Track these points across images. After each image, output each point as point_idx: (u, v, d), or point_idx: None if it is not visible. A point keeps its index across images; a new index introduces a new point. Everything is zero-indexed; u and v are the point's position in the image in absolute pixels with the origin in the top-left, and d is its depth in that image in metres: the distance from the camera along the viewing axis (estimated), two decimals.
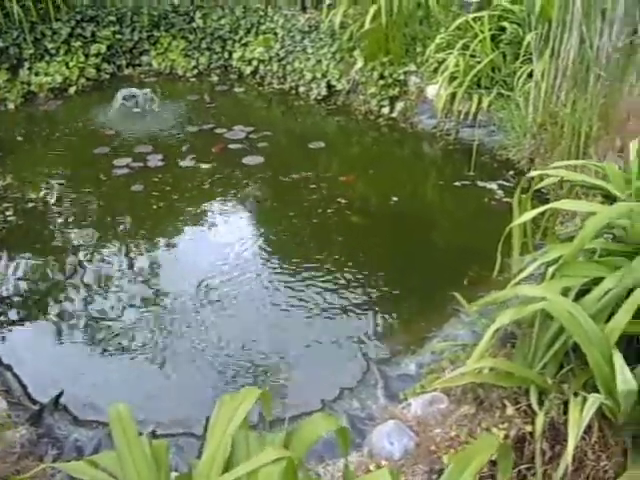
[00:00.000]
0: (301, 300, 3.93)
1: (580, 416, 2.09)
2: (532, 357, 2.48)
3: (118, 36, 7.40)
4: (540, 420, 2.26)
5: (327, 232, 4.63)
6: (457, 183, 5.23)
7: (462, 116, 5.74)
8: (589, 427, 2.24)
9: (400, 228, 4.66)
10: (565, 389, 2.35)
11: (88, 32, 7.21)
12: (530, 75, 5.22)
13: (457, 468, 1.47)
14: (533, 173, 2.98)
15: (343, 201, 4.92)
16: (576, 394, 2.26)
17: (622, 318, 2.27)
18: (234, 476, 1.28)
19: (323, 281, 4.08)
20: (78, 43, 7.12)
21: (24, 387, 3.19)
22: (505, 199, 4.84)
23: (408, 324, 3.68)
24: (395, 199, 4.96)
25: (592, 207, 2.58)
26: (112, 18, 7.35)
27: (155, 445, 1.54)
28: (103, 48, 7.24)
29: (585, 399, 2.15)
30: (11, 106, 6.63)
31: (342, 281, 4.07)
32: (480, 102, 5.67)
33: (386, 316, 3.75)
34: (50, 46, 7.00)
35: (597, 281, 2.46)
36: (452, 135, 5.84)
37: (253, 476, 1.26)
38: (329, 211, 4.83)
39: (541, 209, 2.76)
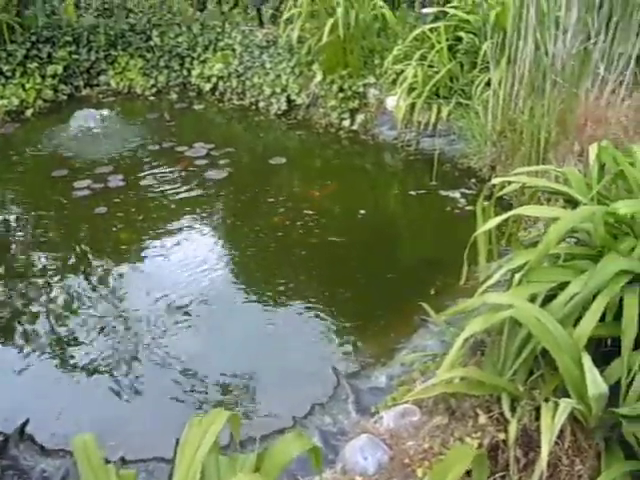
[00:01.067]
0: (267, 316, 3.90)
1: (552, 422, 2.09)
2: (502, 365, 2.47)
3: (75, 56, 7.33)
4: (513, 427, 2.25)
5: (292, 247, 4.60)
6: (420, 193, 5.25)
7: (422, 126, 5.79)
8: (561, 432, 2.23)
9: (365, 240, 4.65)
10: (536, 395, 2.35)
11: (44, 53, 7.13)
12: (488, 84, 5.27)
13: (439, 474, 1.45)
14: (495, 180, 2.99)
15: (308, 215, 4.90)
16: (547, 400, 2.25)
17: (589, 321, 2.27)
18: None
19: (289, 296, 4.05)
20: (34, 64, 7.04)
21: None
22: (468, 207, 4.87)
23: (377, 337, 3.66)
24: (360, 212, 4.95)
25: (555, 212, 2.60)
26: (68, 38, 7.28)
27: (123, 474, 1.50)
28: (60, 69, 7.16)
29: (557, 404, 2.14)
30: None
31: (309, 296, 4.04)
32: (439, 112, 5.71)
33: (354, 330, 3.73)
34: (5, 68, 6.91)
35: (563, 286, 2.46)
36: (413, 145, 5.87)
37: None
38: (296, 225, 4.81)
39: (504, 216, 2.77)
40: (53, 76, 7.13)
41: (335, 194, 5.30)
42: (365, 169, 5.90)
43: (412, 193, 5.32)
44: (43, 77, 7.08)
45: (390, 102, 6.07)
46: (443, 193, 5.16)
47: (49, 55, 7.18)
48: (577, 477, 2.13)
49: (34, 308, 4.04)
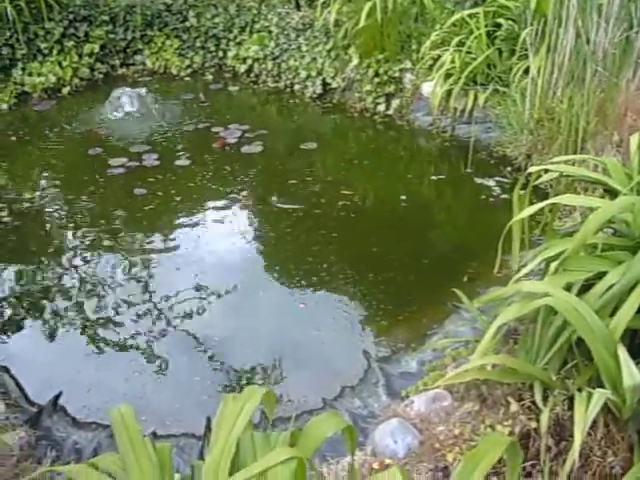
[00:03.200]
0: (298, 298, 3.91)
1: (586, 412, 2.07)
2: (535, 353, 2.47)
3: (111, 36, 7.35)
4: (545, 416, 2.24)
5: (324, 229, 4.60)
6: (454, 180, 5.23)
7: (458, 113, 5.73)
8: (594, 423, 2.22)
9: (398, 225, 4.64)
10: (569, 385, 2.33)
11: (81, 32, 7.16)
12: (526, 71, 5.19)
13: (467, 468, 1.45)
14: (533, 169, 2.96)
15: (343, 199, 4.90)
16: (580, 390, 2.24)
17: (626, 312, 2.26)
18: (244, 476, 1.25)
19: (321, 278, 4.06)
20: (71, 43, 7.07)
21: (21, 389, 3.16)
22: (502, 195, 4.83)
23: (408, 322, 3.65)
24: (393, 197, 4.94)
25: (593, 202, 2.57)
26: (105, 18, 7.30)
27: (159, 447, 1.52)
28: (96, 48, 7.19)
29: (590, 395, 2.13)
30: (4, 107, 6.58)
31: (341, 278, 4.05)
32: (476, 99, 5.65)
33: (386, 314, 3.74)
34: (43, 46, 6.95)
35: (600, 276, 2.44)
36: (448, 132, 5.82)
37: (262, 476, 1.24)
38: (329, 208, 4.82)
39: (541, 204, 2.74)
40: (90, 55, 7.16)
41: (368, 179, 5.29)
42: (399, 154, 5.86)
43: (446, 180, 5.29)
44: (80, 55, 7.12)
45: (426, 88, 6.01)
46: (478, 181, 5.12)
47: (86, 34, 7.20)
48: (609, 468, 2.12)
49: (67, 285, 4.08)
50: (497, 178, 5.10)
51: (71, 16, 7.14)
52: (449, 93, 5.71)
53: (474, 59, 5.63)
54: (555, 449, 2.26)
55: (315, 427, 1.45)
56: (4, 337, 3.62)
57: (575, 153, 4.51)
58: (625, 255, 2.46)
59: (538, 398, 2.36)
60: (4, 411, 2.74)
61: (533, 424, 2.33)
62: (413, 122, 6.10)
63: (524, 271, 2.69)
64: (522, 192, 3.01)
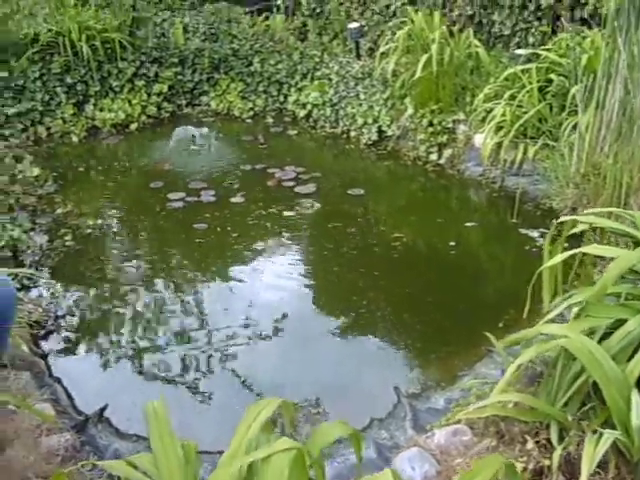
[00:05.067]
0: (340, 336, 4.07)
1: (594, 451, 2.17)
2: (555, 394, 2.56)
3: (179, 77, 7.76)
4: (557, 454, 2.33)
5: (371, 272, 4.75)
6: (500, 230, 5.34)
7: (508, 164, 5.85)
8: (605, 464, 2.31)
9: (441, 271, 4.77)
10: (585, 426, 2.42)
11: (152, 72, 7.58)
12: (575, 127, 5.30)
13: None
14: (562, 218, 3.08)
15: (393, 243, 5.07)
16: (595, 431, 2.33)
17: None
18: (249, 459, 1.41)
19: (363, 318, 4.21)
20: (141, 82, 7.49)
21: (71, 399, 3.38)
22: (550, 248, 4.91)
23: (441, 363, 3.77)
24: (439, 243, 5.09)
25: (617, 252, 2.67)
26: (175, 60, 7.71)
27: (185, 444, 1.68)
28: (165, 88, 7.59)
29: (601, 435, 2.22)
30: (75, 139, 6.99)
31: (382, 319, 4.20)
32: (526, 151, 5.76)
33: (420, 355, 3.86)
34: (115, 84, 7.37)
35: (622, 323, 2.54)
36: (498, 183, 5.94)
37: (266, 461, 1.39)
38: (382, 250, 5.01)
39: (569, 253, 2.86)
40: (158, 94, 7.56)
41: (417, 226, 5.44)
42: (449, 203, 6.01)
43: (493, 229, 5.41)
44: (149, 94, 7.52)
45: (478, 139, 6.16)
46: (523, 231, 5.21)
47: (156, 74, 7.62)
48: None
49: (121, 312, 4.30)
50: (541, 229, 5.18)
51: (143, 57, 7.56)
52: (500, 145, 5.84)
53: (525, 113, 5.76)
54: None
55: (323, 431, 1.60)
56: (60, 353, 3.85)
57: (619, 207, 4.58)
58: None
59: (554, 437, 2.45)
60: (53, 416, 2.94)
61: (547, 462, 2.42)
62: (464, 172, 6.24)
63: (550, 316, 2.80)
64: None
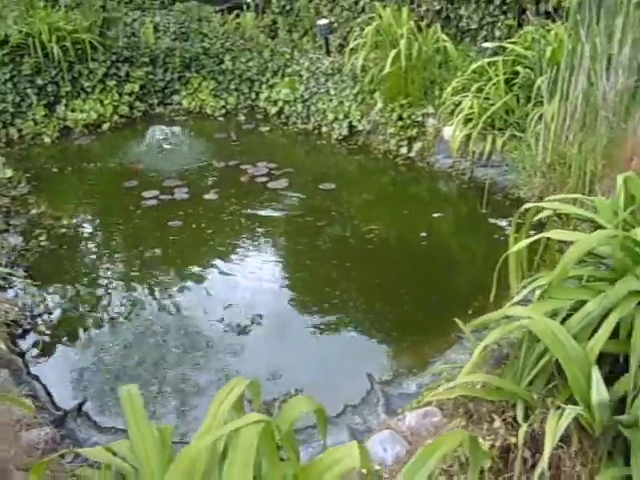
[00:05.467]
0: (315, 327, 4.15)
1: (557, 425, 2.26)
2: (520, 374, 2.65)
3: (151, 76, 7.78)
4: (522, 431, 2.42)
5: (346, 261, 4.84)
6: (470, 220, 5.45)
7: (477, 156, 5.96)
8: (568, 438, 2.40)
9: (413, 261, 4.87)
10: (549, 404, 2.51)
11: (123, 72, 7.59)
12: (541, 117, 5.42)
13: (424, 455, 1.65)
14: (527, 205, 3.18)
15: (365, 235, 5.16)
16: (558, 407, 2.42)
17: (601, 337, 2.44)
18: (221, 432, 1.47)
19: (336, 309, 4.29)
20: (113, 82, 7.50)
21: (50, 395, 3.42)
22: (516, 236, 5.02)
23: (413, 350, 3.86)
24: (409, 234, 5.18)
25: (577, 236, 2.77)
26: (146, 59, 7.73)
27: (161, 428, 1.75)
28: (136, 87, 7.61)
29: (563, 411, 2.31)
30: (47, 140, 6.99)
31: (355, 310, 4.28)
32: (494, 143, 5.88)
33: (392, 343, 3.95)
34: (86, 84, 7.38)
35: (583, 304, 2.63)
36: (467, 174, 6.05)
37: (236, 434, 1.46)
38: (354, 242, 5.12)
39: (533, 238, 2.95)
40: (130, 94, 7.58)
41: (389, 218, 5.52)
42: (419, 195, 6.11)
43: (463, 219, 5.51)
44: (120, 94, 7.53)
45: (447, 132, 6.26)
46: (492, 221, 5.32)
47: (127, 74, 7.63)
48: (577, 477, 2.29)
49: (97, 310, 4.34)
50: (510, 219, 5.25)
51: (114, 57, 7.57)
52: (468, 137, 5.94)
53: (492, 105, 5.87)
54: (531, 461, 2.43)
55: (291, 406, 1.67)
56: (37, 351, 3.89)
57: (584, 195, 4.69)
58: (606, 286, 2.65)
59: (520, 415, 2.54)
60: (33, 408, 2.99)
61: (513, 439, 2.51)
62: (433, 164, 6.34)
63: (515, 299, 2.90)
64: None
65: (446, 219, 5.62)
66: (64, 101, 7.27)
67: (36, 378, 3.56)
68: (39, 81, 7.19)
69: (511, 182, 5.67)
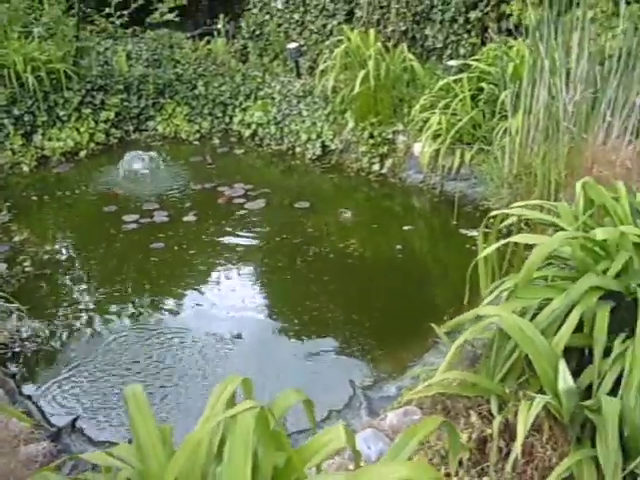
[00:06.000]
0: (296, 339, 4.30)
1: (528, 414, 2.42)
2: (493, 370, 2.82)
3: (126, 103, 7.90)
4: (496, 422, 2.58)
5: (324, 276, 5.00)
6: (442, 232, 5.64)
7: (446, 170, 6.17)
8: (540, 427, 2.57)
9: (388, 273, 5.03)
10: (521, 396, 2.68)
11: (98, 100, 7.71)
12: (507, 131, 5.63)
13: (404, 439, 1.80)
14: (494, 212, 3.36)
15: (342, 250, 5.34)
16: (529, 398, 2.58)
17: (566, 331, 2.62)
18: (220, 418, 1.61)
19: (317, 321, 4.45)
20: (88, 110, 7.61)
21: (42, 413, 3.53)
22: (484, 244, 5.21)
23: (392, 356, 4.03)
24: (383, 247, 5.36)
25: (540, 239, 2.95)
26: (120, 87, 7.87)
27: (161, 427, 1.88)
28: (112, 115, 7.73)
29: (533, 400, 2.48)
30: (25, 169, 7.08)
31: (335, 321, 4.44)
32: (462, 157, 6.09)
33: (372, 350, 4.11)
34: (62, 113, 7.49)
35: (549, 302, 2.81)
36: (438, 188, 6.25)
37: (234, 420, 1.60)
38: (331, 256, 5.28)
39: (498, 244, 3.15)
40: (105, 121, 7.70)
41: (364, 233, 5.70)
42: (392, 210, 6.29)
43: (435, 232, 5.71)
44: (96, 122, 7.65)
45: (417, 148, 6.46)
46: (463, 232, 5.51)
47: (102, 102, 7.75)
48: (548, 461, 2.45)
49: (84, 332, 4.44)
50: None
51: (88, 85, 7.69)
52: (437, 152, 6.14)
53: (459, 120, 6.08)
54: (506, 450, 2.59)
55: (281, 397, 1.81)
56: (27, 372, 3.99)
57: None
58: (568, 284, 2.83)
59: (494, 408, 2.70)
60: (29, 427, 3.09)
61: (489, 430, 2.67)
62: (405, 180, 6.54)
63: (486, 301, 3.07)
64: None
65: (419, 232, 5.82)
66: (41, 130, 7.36)
67: (28, 397, 3.66)
68: (15, 111, 7.28)
69: (480, 194, 5.88)
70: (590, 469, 2.32)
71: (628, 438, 2.34)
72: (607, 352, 2.61)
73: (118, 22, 8.54)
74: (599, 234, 2.83)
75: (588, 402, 2.42)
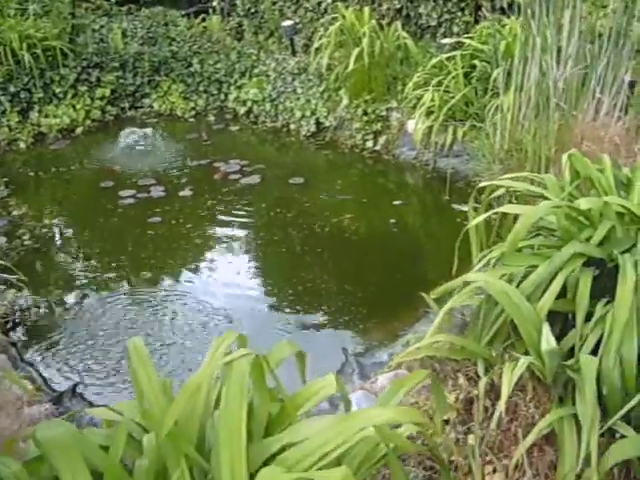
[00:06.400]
0: (291, 308, 4.40)
1: (512, 374, 2.52)
2: (480, 334, 2.92)
3: (121, 80, 7.97)
4: (482, 382, 2.68)
5: (316, 249, 5.10)
6: (435, 207, 5.74)
7: (439, 147, 6.25)
8: (524, 387, 2.68)
9: (381, 247, 5.13)
10: (506, 358, 2.78)
11: (93, 77, 7.78)
12: (498, 108, 5.72)
13: (394, 388, 1.91)
14: (482, 184, 3.46)
15: (336, 224, 5.43)
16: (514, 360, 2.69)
17: (549, 296, 2.72)
18: (218, 363, 1.71)
19: (312, 292, 4.55)
20: (84, 87, 7.68)
21: (44, 379, 3.64)
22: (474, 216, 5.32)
23: (383, 326, 4.13)
24: (375, 222, 5.46)
25: (526, 209, 3.04)
26: (115, 64, 7.92)
27: (163, 380, 1.98)
28: (107, 92, 7.79)
29: (517, 361, 2.58)
30: (22, 145, 7.15)
31: (329, 292, 4.55)
32: (455, 134, 6.18)
33: (364, 320, 4.22)
34: (58, 90, 7.55)
35: (534, 269, 2.91)
36: (431, 164, 6.34)
37: (229, 366, 1.70)
38: (326, 230, 5.38)
39: (487, 214, 3.25)
40: (101, 98, 7.77)
41: (358, 208, 5.79)
42: (386, 186, 6.38)
43: (428, 207, 5.81)
44: (92, 99, 7.72)
45: (410, 125, 6.53)
46: (455, 207, 5.60)
47: (98, 79, 7.82)
48: (531, 418, 2.56)
49: (82, 304, 4.52)
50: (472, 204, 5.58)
51: (84, 63, 7.75)
52: (430, 129, 6.22)
53: (452, 97, 6.16)
54: (491, 409, 2.70)
55: (276, 349, 1.92)
56: (28, 341, 4.10)
57: None
58: (553, 252, 2.93)
59: (481, 371, 2.80)
60: (33, 388, 3.20)
61: (475, 392, 2.77)
62: (398, 156, 6.62)
63: (474, 269, 3.17)
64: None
65: (412, 207, 5.91)
66: (37, 107, 7.43)
67: (30, 364, 3.77)
68: (12, 88, 7.34)
69: (472, 170, 5.95)
70: (570, 425, 2.43)
71: (607, 397, 2.45)
72: (589, 317, 2.71)
73: (113, 0, 8.57)
74: (583, 204, 2.92)
75: (570, 362, 2.53)
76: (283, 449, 1.64)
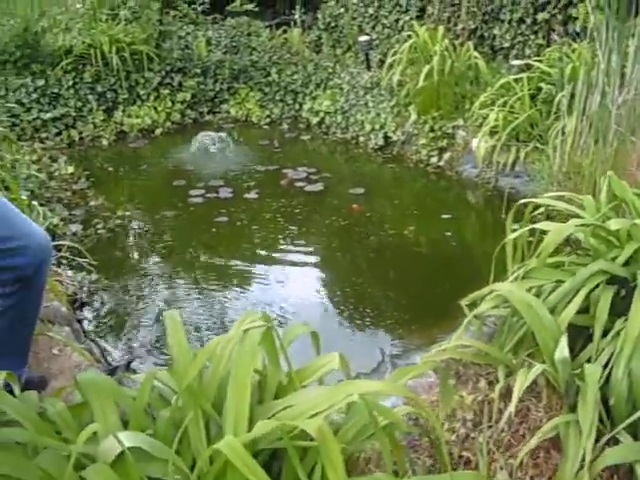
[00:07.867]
0: (338, 306, 4.63)
1: (525, 377, 2.68)
2: (503, 342, 3.08)
3: (202, 86, 8.38)
4: (499, 386, 2.84)
5: (373, 257, 5.33)
6: (492, 224, 5.87)
7: (501, 166, 6.37)
8: (538, 393, 2.82)
9: (436, 260, 5.30)
10: (525, 366, 2.93)
11: (176, 82, 8.20)
12: (562, 130, 5.81)
13: (397, 375, 2.10)
14: (522, 201, 3.60)
15: (394, 236, 5.63)
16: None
17: (570, 310, 2.86)
18: (237, 330, 1.94)
19: (361, 298, 4.75)
20: (166, 91, 8.11)
21: (103, 354, 3.95)
22: (529, 238, 5.41)
23: (423, 332, 4.30)
24: (434, 235, 5.65)
25: (557, 226, 3.18)
26: (197, 70, 8.34)
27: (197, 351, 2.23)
28: (188, 96, 8.21)
29: (531, 367, 2.73)
30: (105, 142, 7.61)
31: (378, 298, 4.74)
32: (517, 154, 6.29)
33: (407, 326, 4.40)
34: (142, 92, 8.00)
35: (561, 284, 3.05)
36: (492, 183, 6.46)
37: (245, 335, 1.92)
38: (381, 239, 5.59)
39: (523, 230, 3.41)
40: (182, 102, 8.18)
41: (418, 221, 5.96)
42: (447, 201, 6.52)
43: (486, 224, 5.95)
44: (173, 102, 8.14)
45: (475, 143, 6.66)
46: (512, 226, 5.71)
47: (180, 84, 8.25)
48: (539, 421, 2.70)
49: (147, 292, 4.82)
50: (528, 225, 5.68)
51: (168, 67, 8.19)
52: (494, 148, 6.35)
53: (516, 118, 6.28)
54: (504, 412, 2.85)
55: (290, 330, 2.14)
56: (93, 319, 4.43)
57: None
58: (580, 269, 3.06)
59: (500, 376, 2.95)
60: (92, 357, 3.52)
61: (492, 394, 2.93)
62: (461, 173, 6.76)
63: (508, 281, 3.32)
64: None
65: (469, 222, 6.06)
66: (121, 107, 7.89)
67: (92, 340, 4.09)
68: (99, 88, 7.82)
69: (531, 191, 6.03)
70: (575, 430, 2.56)
71: (614, 407, 2.58)
72: (608, 333, 2.84)
73: (200, 9, 9.00)
74: (613, 224, 3.05)
75: (576, 371, 2.66)
76: (284, 410, 1.86)
